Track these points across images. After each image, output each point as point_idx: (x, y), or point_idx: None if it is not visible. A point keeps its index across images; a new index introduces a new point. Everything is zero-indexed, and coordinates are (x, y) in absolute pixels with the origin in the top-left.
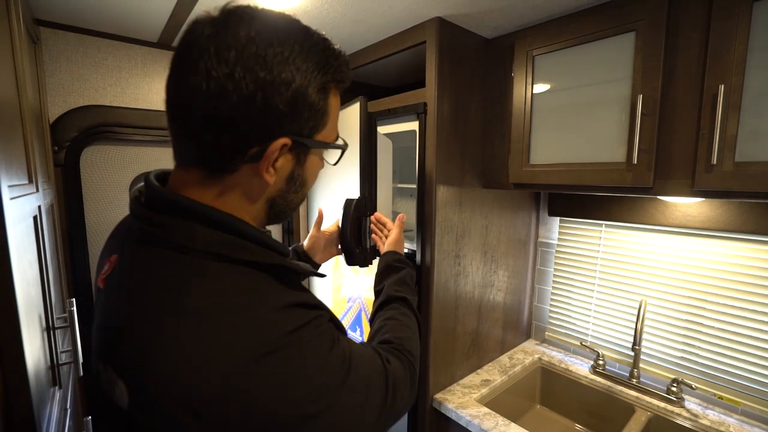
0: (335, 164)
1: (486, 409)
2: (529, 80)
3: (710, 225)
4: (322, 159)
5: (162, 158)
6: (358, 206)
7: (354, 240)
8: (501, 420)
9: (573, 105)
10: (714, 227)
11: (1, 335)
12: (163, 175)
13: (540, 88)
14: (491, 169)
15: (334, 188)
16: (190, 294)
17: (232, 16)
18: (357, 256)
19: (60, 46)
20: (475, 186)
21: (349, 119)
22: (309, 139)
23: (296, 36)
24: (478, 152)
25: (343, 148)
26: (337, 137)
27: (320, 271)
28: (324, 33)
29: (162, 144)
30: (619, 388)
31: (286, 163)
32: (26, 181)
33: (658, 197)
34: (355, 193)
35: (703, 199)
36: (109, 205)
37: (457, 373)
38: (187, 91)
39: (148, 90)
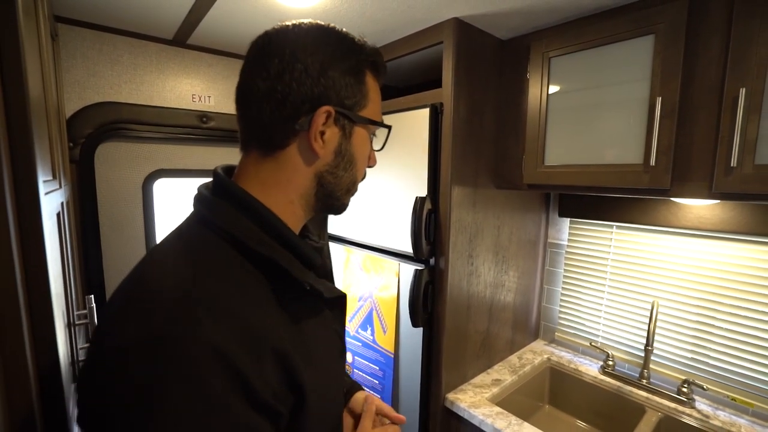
0: (381, 149)
1: (498, 409)
2: (545, 81)
3: (724, 227)
4: (369, 140)
5: (175, 155)
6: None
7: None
8: (514, 419)
9: (589, 106)
10: (727, 229)
11: (37, 330)
12: (230, 169)
13: (556, 89)
14: (505, 170)
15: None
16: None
17: (281, 27)
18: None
19: (77, 42)
20: (489, 187)
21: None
22: (351, 112)
23: (330, 31)
24: (492, 153)
25: (387, 127)
26: (381, 122)
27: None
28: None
29: (175, 141)
30: (629, 388)
31: (333, 135)
32: (51, 177)
33: (672, 199)
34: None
35: (718, 201)
36: (122, 201)
37: (468, 373)
38: (250, 77)
39: (162, 87)
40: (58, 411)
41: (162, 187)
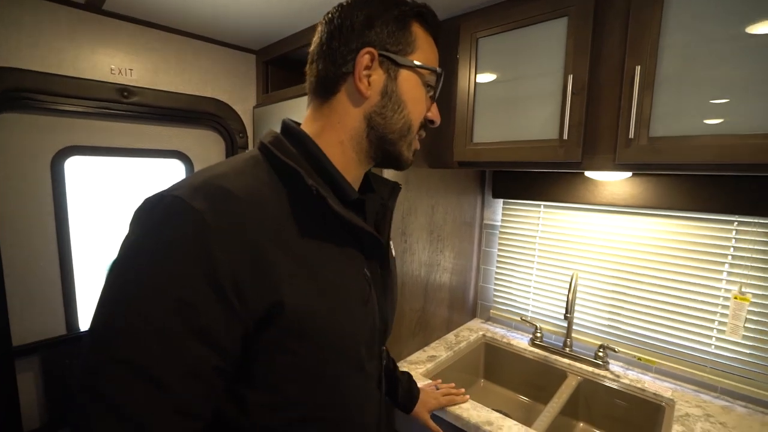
0: (433, 96)
1: (429, 382)
2: (473, 62)
3: (633, 202)
4: (421, 86)
5: (92, 131)
6: None
7: None
8: None
9: (513, 86)
10: (636, 204)
11: None
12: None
13: (483, 68)
14: (437, 149)
15: None
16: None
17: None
18: None
19: None
20: (422, 166)
21: None
22: (395, 54)
23: None
24: (425, 132)
25: (435, 72)
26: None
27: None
28: None
29: (92, 116)
30: (555, 357)
31: (378, 78)
32: None
33: (587, 173)
34: None
35: (623, 173)
36: (25, 181)
37: (404, 351)
38: (316, 37)
39: (75, 56)
40: None
41: (79, 167)
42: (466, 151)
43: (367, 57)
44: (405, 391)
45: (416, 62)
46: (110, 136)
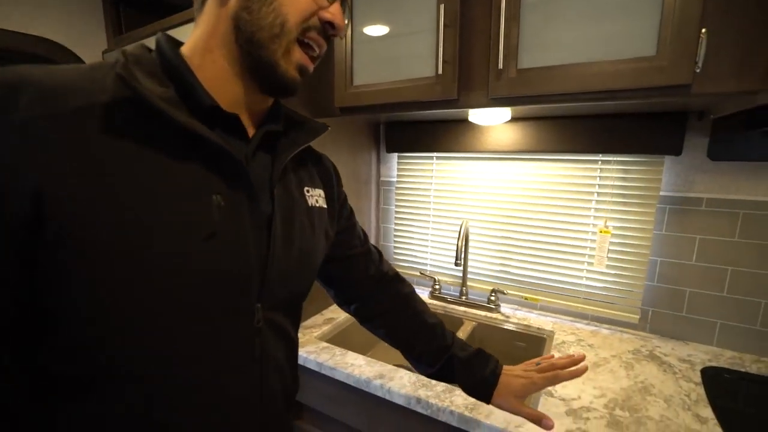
0: None
1: (324, 344)
2: None
3: (514, 147)
4: None
5: None
6: None
7: None
8: (338, 350)
9: (390, 22)
10: (517, 149)
11: None
12: None
13: (359, 5)
14: (319, 96)
15: None
16: None
17: None
18: None
19: None
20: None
21: None
22: None
23: None
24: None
25: None
26: None
27: None
28: None
29: None
30: (452, 306)
31: None
32: None
33: (470, 118)
34: None
35: (502, 115)
36: None
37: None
38: None
39: None
40: None
41: None
42: (347, 95)
43: None
44: (467, 371)
45: None
46: None
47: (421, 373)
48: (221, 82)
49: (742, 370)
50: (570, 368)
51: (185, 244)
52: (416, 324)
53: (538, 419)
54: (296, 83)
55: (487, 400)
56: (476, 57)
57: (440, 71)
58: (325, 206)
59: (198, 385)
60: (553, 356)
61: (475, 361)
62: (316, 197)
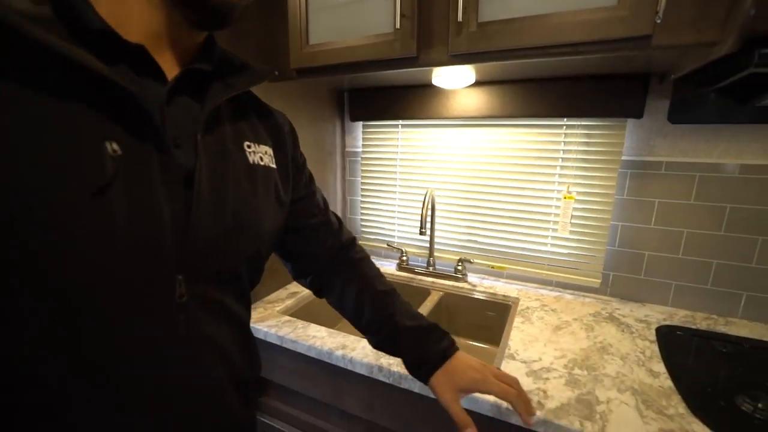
0: None
1: (286, 318)
2: None
3: (479, 113)
4: None
5: None
6: None
7: None
8: (300, 323)
9: None
10: (482, 114)
11: None
12: None
13: None
14: (273, 58)
15: None
16: None
17: None
18: None
19: None
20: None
21: None
22: None
23: None
24: (260, 38)
25: None
26: None
27: None
28: None
29: None
30: (420, 277)
31: None
32: None
33: (434, 81)
34: None
35: (466, 77)
36: None
37: (262, 290)
38: None
39: None
40: None
41: None
42: (303, 55)
43: None
44: (411, 342)
45: None
46: None
47: (369, 344)
48: (134, 8)
49: (693, 327)
50: (521, 403)
51: (72, 202)
52: (365, 291)
53: (464, 425)
54: (230, 7)
55: (425, 380)
56: (436, 11)
57: (398, 25)
58: (273, 166)
59: (111, 370)
60: (517, 381)
61: (422, 334)
62: (260, 154)
